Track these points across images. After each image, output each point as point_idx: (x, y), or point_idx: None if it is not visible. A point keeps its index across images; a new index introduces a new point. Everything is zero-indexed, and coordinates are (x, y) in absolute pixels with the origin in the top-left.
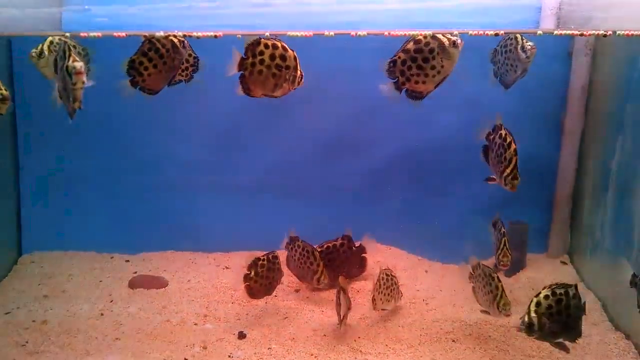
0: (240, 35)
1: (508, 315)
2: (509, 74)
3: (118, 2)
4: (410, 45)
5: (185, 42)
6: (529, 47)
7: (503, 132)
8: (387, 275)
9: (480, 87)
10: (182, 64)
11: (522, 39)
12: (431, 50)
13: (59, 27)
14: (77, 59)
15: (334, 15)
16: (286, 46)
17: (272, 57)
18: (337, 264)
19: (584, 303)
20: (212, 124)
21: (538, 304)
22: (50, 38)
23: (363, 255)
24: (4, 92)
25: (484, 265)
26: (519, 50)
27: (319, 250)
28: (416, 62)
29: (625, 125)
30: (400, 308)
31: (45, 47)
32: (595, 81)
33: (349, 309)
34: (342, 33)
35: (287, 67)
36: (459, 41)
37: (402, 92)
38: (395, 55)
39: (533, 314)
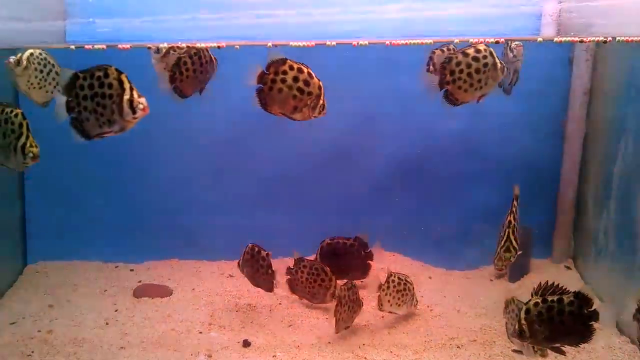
0: (238, 46)
1: (544, 357)
2: (504, 79)
3: (122, 15)
4: (471, 51)
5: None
6: (515, 45)
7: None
8: (399, 279)
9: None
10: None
11: (509, 42)
12: (485, 65)
13: (63, 39)
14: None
15: (335, 25)
16: (312, 73)
17: (295, 79)
18: (340, 261)
19: (594, 310)
20: (216, 133)
21: (528, 311)
22: (31, 50)
23: (369, 261)
24: (34, 150)
25: (517, 300)
26: (507, 51)
27: (328, 242)
28: (470, 68)
29: (627, 130)
30: (405, 314)
31: (24, 57)
32: (597, 86)
33: (360, 307)
34: (344, 43)
35: (310, 93)
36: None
37: (441, 90)
38: (453, 54)
39: (523, 322)
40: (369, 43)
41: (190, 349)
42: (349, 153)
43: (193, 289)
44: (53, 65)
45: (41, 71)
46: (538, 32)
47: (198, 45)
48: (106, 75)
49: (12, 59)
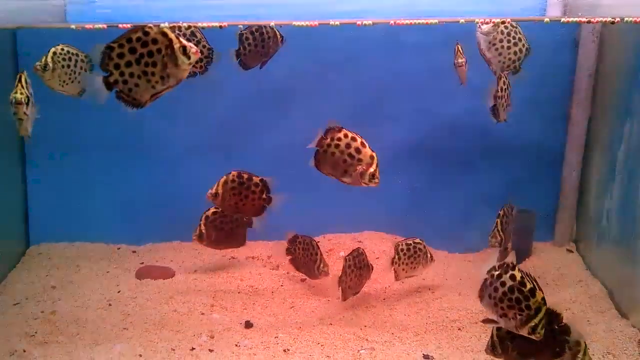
0: (242, 26)
1: None
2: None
3: None
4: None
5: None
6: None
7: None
8: (406, 245)
9: (487, 75)
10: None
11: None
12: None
13: (63, 18)
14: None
15: (339, 5)
16: (365, 143)
17: (348, 146)
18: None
19: (565, 325)
20: (219, 114)
21: (499, 327)
22: (53, 49)
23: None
24: (17, 95)
25: None
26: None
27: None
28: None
29: (632, 113)
30: (406, 297)
31: (49, 59)
32: (602, 69)
33: (369, 271)
34: (348, 22)
35: (360, 161)
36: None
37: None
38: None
39: (495, 338)
40: (373, 23)
41: (192, 330)
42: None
43: (195, 271)
44: (77, 54)
45: (68, 66)
46: (544, 12)
47: (200, 24)
48: (146, 34)
49: (37, 65)
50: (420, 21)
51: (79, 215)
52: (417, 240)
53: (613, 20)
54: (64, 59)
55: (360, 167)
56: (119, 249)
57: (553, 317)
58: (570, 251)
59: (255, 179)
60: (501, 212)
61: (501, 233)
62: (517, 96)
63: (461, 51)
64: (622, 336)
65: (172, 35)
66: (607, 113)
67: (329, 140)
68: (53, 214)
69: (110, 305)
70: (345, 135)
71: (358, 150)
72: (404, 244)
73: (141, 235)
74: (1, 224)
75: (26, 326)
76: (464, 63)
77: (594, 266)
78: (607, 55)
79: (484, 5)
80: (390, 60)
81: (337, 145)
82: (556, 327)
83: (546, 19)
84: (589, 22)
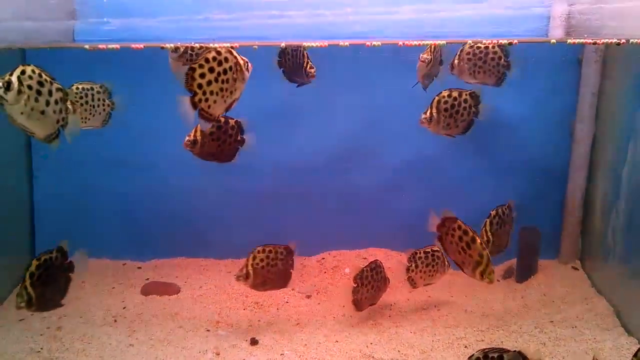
0: (256, 46)
1: None
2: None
3: (135, 15)
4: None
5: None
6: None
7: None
8: (425, 253)
9: (489, 93)
10: None
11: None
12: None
13: (72, 38)
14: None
15: (348, 26)
16: (476, 238)
17: (460, 238)
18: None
19: None
20: None
21: None
22: (75, 88)
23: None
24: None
25: None
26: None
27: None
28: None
29: (636, 131)
30: (412, 314)
31: (73, 107)
32: (606, 88)
33: (386, 284)
34: (357, 43)
35: (471, 256)
36: None
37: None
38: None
39: None
40: (381, 44)
41: (198, 347)
42: (357, 153)
43: (200, 287)
44: (91, 89)
45: (87, 102)
46: (547, 34)
47: (211, 45)
48: (219, 53)
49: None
50: (428, 42)
51: (84, 231)
52: (435, 248)
53: (619, 41)
54: (81, 97)
55: (473, 260)
56: (124, 265)
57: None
58: (576, 269)
59: (231, 122)
60: (492, 213)
61: (489, 233)
62: (521, 115)
63: (432, 50)
64: (629, 354)
65: (235, 53)
66: (611, 131)
67: (445, 229)
68: (59, 229)
69: (115, 321)
70: (459, 227)
71: (468, 246)
72: (422, 252)
73: (146, 251)
74: (7, 240)
75: (32, 342)
76: (426, 60)
77: (600, 284)
78: (611, 74)
79: (489, 27)
80: (396, 78)
81: (452, 235)
82: None
83: (552, 40)
84: (594, 43)
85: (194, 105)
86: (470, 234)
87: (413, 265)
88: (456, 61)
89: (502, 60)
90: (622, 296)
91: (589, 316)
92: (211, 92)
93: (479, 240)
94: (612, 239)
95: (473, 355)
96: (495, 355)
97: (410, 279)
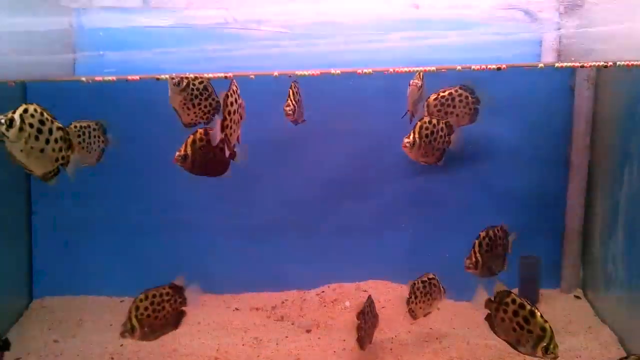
0: (253, 76)
1: None
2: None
3: (131, 47)
4: None
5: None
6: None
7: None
8: (422, 282)
9: (485, 124)
10: (207, 108)
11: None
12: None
13: (72, 72)
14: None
15: (340, 55)
16: (536, 312)
17: (515, 313)
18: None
19: None
20: None
21: None
22: (24, 106)
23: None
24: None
25: None
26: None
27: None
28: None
29: (631, 156)
30: (414, 346)
31: (17, 117)
32: (599, 114)
33: (377, 320)
34: (348, 71)
35: (530, 332)
36: None
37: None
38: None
39: None
40: (372, 71)
41: None
42: (353, 184)
43: (199, 323)
44: (88, 126)
45: (84, 140)
46: (538, 59)
47: (206, 75)
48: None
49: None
50: (418, 69)
51: (82, 268)
52: (431, 276)
53: (606, 64)
54: (83, 134)
55: (531, 338)
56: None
57: None
58: (578, 297)
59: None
60: (482, 234)
61: (477, 255)
62: (516, 144)
63: (422, 76)
64: None
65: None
66: (607, 157)
67: (497, 304)
68: (57, 267)
69: (113, 359)
70: (513, 301)
71: (527, 321)
72: (419, 282)
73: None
74: (5, 278)
75: None
76: (416, 85)
77: (603, 312)
78: (603, 100)
79: (479, 53)
80: (391, 107)
81: (505, 311)
82: None
83: (540, 65)
84: (582, 66)
85: (222, 129)
86: (528, 307)
87: (413, 296)
88: (425, 116)
89: (470, 98)
90: (625, 324)
91: (594, 345)
92: (232, 120)
93: (539, 313)
94: (613, 266)
95: None
96: None
97: (411, 310)
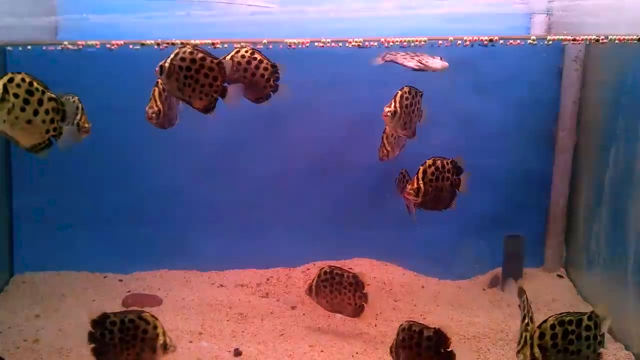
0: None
1: None
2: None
3: (115, 11)
4: None
5: None
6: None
7: None
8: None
9: (472, 103)
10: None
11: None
12: None
13: (55, 36)
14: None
15: (330, 23)
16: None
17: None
18: None
19: (602, 334)
20: (204, 143)
21: (542, 335)
22: (10, 75)
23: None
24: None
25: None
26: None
27: None
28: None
29: (617, 138)
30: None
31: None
32: (586, 96)
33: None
34: (338, 40)
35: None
36: None
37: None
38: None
39: (537, 349)
40: (363, 40)
41: (180, 359)
42: (340, 163)
43: (183, 299)
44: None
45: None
46: (528, 32)
47: (193, 42)
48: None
49: None
50: (409, 39)
51: (64, 243)
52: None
53: (598, 38)
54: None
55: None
56: (105, 277)
57: (442, 339)
58: (561, 276)
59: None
60: (428, 162)
61: (420, 182)
62: (504, 124)
63: (397, 100)
64: (615, 359)
65: None
66: (593, 138)
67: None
68: (38, 243)
69: None
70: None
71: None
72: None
73: (128, 263)
74: None
75: (8, 355)
76: (390, 113)
77: (585, 291)
78: (591, 82)
79: (468, 24)
80: (379, 85)
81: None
82: (442, 350)
83: (532, 37)
84: (574, 40)
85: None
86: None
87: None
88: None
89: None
90: (607, 303)
91: None
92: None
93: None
94: (597, 246)
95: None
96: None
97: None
